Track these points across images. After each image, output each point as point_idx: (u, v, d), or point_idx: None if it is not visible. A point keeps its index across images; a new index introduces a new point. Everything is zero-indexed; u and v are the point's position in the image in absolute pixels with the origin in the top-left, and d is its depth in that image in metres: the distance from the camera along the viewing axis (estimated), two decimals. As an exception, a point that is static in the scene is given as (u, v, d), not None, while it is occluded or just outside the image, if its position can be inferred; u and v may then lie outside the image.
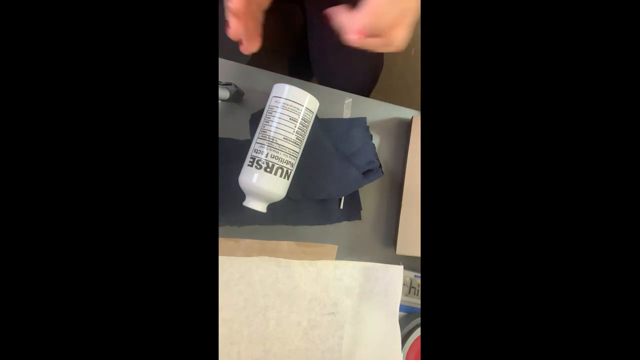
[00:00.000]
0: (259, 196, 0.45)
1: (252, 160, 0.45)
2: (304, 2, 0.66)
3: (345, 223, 0.52)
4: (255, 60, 0.58)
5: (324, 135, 0.51)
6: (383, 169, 0.52)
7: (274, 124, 0.45)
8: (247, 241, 0.49)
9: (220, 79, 0.50)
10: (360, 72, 0.69)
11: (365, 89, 0.72)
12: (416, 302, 0.51)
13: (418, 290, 0.51)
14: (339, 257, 0.51)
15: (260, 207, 0.45)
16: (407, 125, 0.55)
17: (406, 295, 0.51)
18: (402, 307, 0.49)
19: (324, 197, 0.50)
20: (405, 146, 0.53)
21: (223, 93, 0.47)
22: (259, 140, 0.45)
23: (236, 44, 0.38)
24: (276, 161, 0.44)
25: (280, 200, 0.48)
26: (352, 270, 0.49)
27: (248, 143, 0.49)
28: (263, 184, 0.44)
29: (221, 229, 0.49)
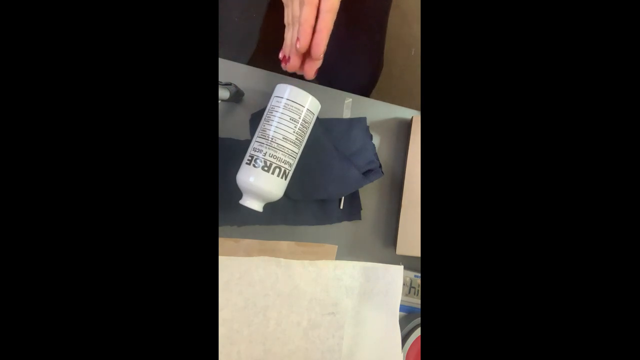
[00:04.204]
0: (255, 195, 0.45)
1: (250, 158, 0.45)
2: None
3: (345, 223, 0.52)
4: (255, 60, 0.58)
5: (324, 135, 0.51)
6: (383, 169, 0.52)
7: (274, 124, 0.45)
8: (247, 241, 0.49)
9: (220, 79, 0.50)
10: (360, 72, 0.68)
11: (365, 89, 0.72)
12: (416, 302, 0.51)
13: (418, 290, 0.51)
14: (339, 257, 0.50)
15: (256, 205, 0.45)
16: (407, 125, 0.55)
17: (406, 295, 0.51)
18: (402, 307, 0.49)
19: (324, 197, 0.50)
20: (405, 146, 0.53)
21: (223, 93, 0.47)
22: (258, 139, 0.45)
23: (236, 44, 0.38)
24: (274, 160, 0.44)
25: (280, 200, 0.48)
26: (352, 270, 0.49)
27: (248, 143, 0.49)
28: (260, 182, 0.44)
29: (221, 229, 0.49)
